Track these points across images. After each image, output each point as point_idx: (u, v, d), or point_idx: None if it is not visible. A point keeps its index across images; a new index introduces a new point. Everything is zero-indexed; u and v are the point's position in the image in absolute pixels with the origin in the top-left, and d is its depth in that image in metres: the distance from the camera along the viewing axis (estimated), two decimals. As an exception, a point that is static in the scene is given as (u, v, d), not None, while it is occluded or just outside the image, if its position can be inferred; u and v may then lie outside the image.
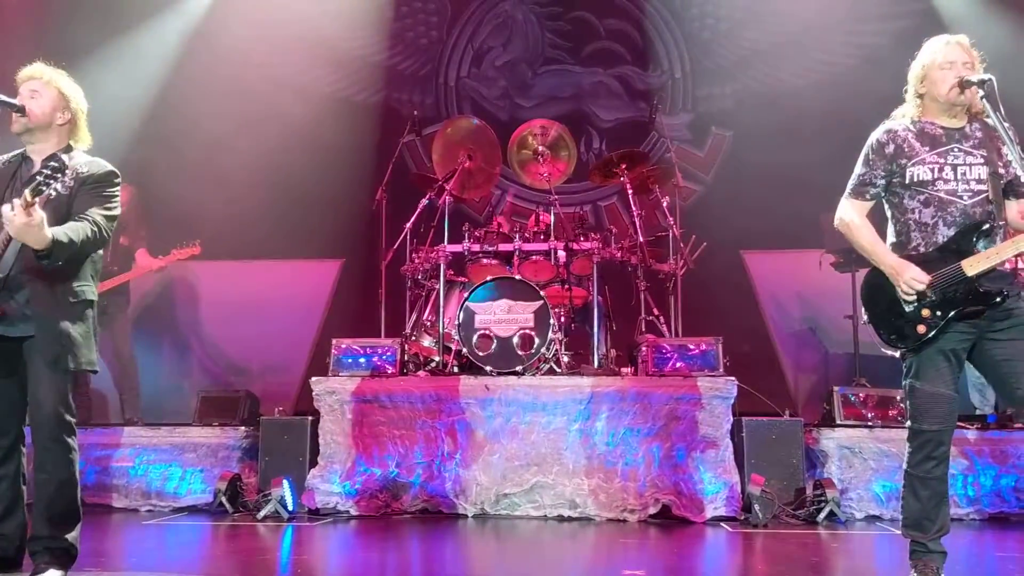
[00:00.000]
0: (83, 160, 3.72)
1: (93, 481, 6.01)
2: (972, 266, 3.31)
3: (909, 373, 3.42)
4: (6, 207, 3.38)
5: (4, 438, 3.72)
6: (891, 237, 3.53)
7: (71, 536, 3.67)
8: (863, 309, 3.54)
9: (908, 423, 3.44)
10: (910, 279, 3.34)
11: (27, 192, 3.34)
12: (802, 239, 7.63)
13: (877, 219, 3.56)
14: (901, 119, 3.55)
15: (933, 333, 3.33)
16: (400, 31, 9.03)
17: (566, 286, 6.34)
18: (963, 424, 5.70)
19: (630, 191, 6.68)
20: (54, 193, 3.39)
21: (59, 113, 3.75)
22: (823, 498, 5.36)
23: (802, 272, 7.71)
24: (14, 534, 3.76)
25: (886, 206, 3.57)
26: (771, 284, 8.17)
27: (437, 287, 6.35)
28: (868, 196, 3.54)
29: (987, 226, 3.36)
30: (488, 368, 5.85)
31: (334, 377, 6.01)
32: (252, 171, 8.24)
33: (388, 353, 6.13)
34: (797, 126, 7.98)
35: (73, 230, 3.55)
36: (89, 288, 3.74)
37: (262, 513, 5.50)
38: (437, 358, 6.19)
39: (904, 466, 3.45)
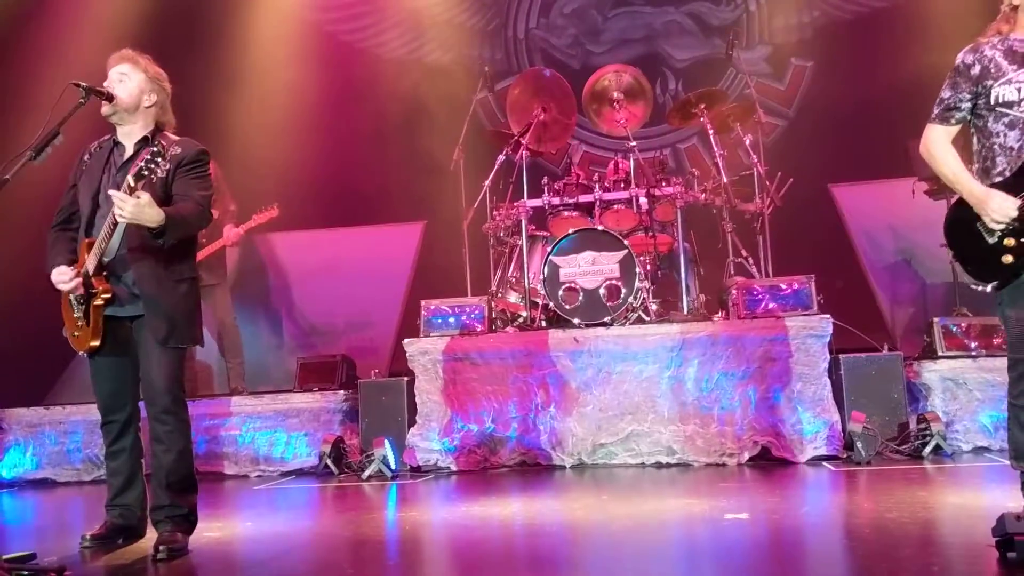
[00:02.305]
0: (174, 141, 3.84)
1: (204, 450, 6.27)
2: None
3: (1003, 302, 3.30)
4: (113, 192, 3.52)
5: (120, 413, 3.92)
6: (976, 163, 3.36)
7: (190, 504, 3.85)
8: (948, 245, 3.40)
9: (1009, 354, 3.33)
10: (997, 208, 3.16)
11: (130, 178, 3.47)
12: (892, 168, 7.36)
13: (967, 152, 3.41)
14: (990, 38, 3.37)
15: (1019, 261, 3.19)
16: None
17: (650, 233, 6.28)
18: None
19: (711, 131, 6.55)
20: (155, 178, 3.52)
21: (146, 96, 3.87)
22: (928, 432, 5.25)
23: (894, 202, 7.44)
24: (135, 503, 3.97)
25: (972, 131, 3.41)
26: (862, 216, 7.93)
27: (520, 243, 6.36)
28: (953, 121, 3.38)
29: None
30: (576, 321, 5.86)
31: (425, 338, 6.11)
32: (330, 141, 8.35)
33: (476, 311, 6.20)
34: (880, 51, 7.67)
35: (183, 209, 3.70)
36: (190, 266, 3.89)
37: (366, 473, 5.66)
38: (524, 313, 6.23)
39: (1007, 397, 3.34)
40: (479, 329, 6.13)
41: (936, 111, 3.41)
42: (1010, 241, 3.17)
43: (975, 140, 3.39)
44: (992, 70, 3.28)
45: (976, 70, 3.31)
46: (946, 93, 3.38)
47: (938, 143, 3.40)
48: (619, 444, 5.58)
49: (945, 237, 3.40)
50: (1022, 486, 3.34)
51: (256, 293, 8.59)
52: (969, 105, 3.34)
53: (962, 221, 3.31)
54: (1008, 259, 3.19)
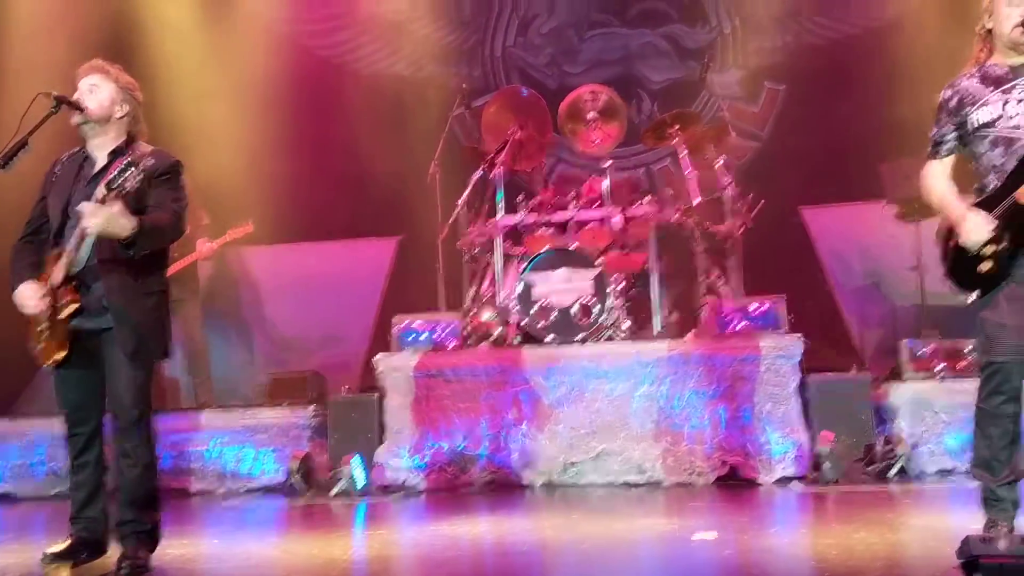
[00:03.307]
0: (147, 152, 3.79)
1: (170, 466, 6.14)
2: None
3: (980, 307, 3.38)
4: (83, 204, 3.48)
5: (85, 426, 3.84)
6: (975, 185, 3.49)
7: (154, 520, 3.79)
8: (941, 258, 3.48)
9: (980, 357, 3.42)
10: (969, 230, 3.29)
11: (102, 188, 3.43)
12: (862, 191, 7.46)
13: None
14: (969, 69, 3.48)
15: (997, 269, 3.27)
16: (443, 3, 8.98)
17: (624, 252, 6.31)
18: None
19: (684, 152, 6.60)
20: (128, 189, 3.48)
21: (118, 107, 3.81)
22: (893, 453, 5.29)
23: (863, 225, 7.54)
24: (99, 517, 3.88)
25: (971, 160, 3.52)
26: (832, 239, 8.00)
27: (494, 260, 6.37)
28: (943, 153, 3.51)
29: None
30: (549, 338, 5.86)
31: (397, 354, 6.08)
32: (305, 155, 8.33)
33: (449, 328, 6.19)
34: (852, 76, 7.78)
35: (155, 219, 3.65)
36: (160, 278, 3.84)
37: (334, 491, 5.61)
38: (498, 330, 6.22)
39: (975, 403, 3.42)
40: (452, 346, 6.12)
41: (928, 150, 3.57)
42: (988, 249, 3.29)
43: (972, 165, 3.51)
44: (968, 98, 3.43)
45: (954, 102, 3.46)
46: (932, 131, 3.55)
47: (927, 176, 3.55)
48: (589, 463, 5.57)
49: (940, 256, 3.48)
50: (982, 501, 3.40)
51: (228, 307, 8.49)
52: (954, 136, 3.48)
53: (950, 239, 3.42)
54: (984, 267, 3.30)
